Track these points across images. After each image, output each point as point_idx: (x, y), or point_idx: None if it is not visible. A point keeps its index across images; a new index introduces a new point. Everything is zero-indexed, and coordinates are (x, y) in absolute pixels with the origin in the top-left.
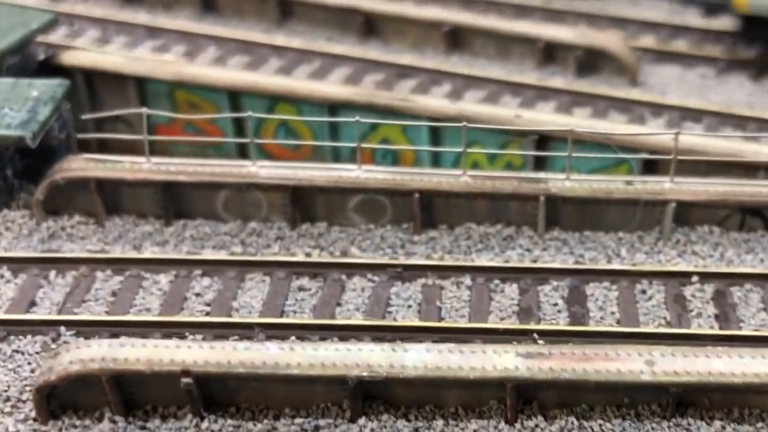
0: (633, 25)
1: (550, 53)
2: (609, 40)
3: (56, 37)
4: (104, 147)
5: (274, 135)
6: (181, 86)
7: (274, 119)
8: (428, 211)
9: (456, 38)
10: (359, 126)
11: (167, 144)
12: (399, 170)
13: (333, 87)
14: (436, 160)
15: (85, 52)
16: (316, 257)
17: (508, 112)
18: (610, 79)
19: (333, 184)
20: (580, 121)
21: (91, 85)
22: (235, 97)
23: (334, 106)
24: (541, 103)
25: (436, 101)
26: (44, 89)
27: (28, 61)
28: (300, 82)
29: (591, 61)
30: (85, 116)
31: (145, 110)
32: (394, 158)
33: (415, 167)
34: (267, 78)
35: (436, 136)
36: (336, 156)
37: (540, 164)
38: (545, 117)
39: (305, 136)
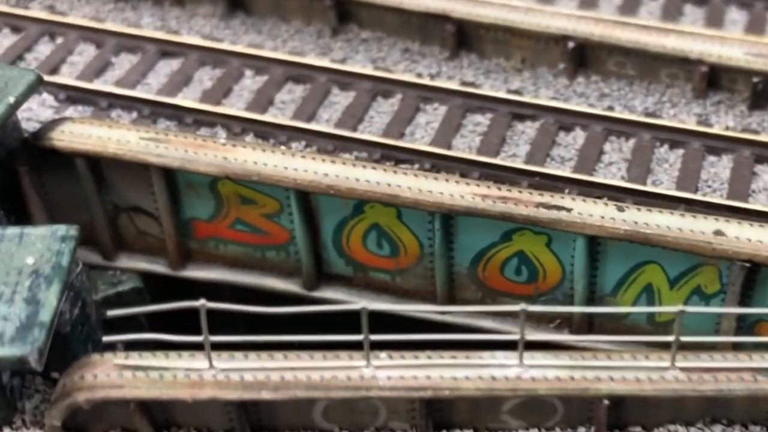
0: None
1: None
2: None
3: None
4: (119, 239)
5: (362, 239)
6: (229, 178)
7: (363, 220)
8: (617, 411)
9: (582, 56)
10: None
11: (208, 239)
12: (575, 363)
13: (447, 185)
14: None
15: (88, 128)
16: None
17: (705, 226)
18: None
19: (485, 393)
20: None
21: (98, 171)
22: (306, 194)
23: (449, 216)
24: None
25: (599, 209)
26: (43, 249)
27: (7, 142)
28: (400, 182)
29: None
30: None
31: (203, 303)
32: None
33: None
34: (350, 174)
35: (594, 250)
36: (450, 267)
37: (748, 292)
38: (758, 234)
39: (406, 240)
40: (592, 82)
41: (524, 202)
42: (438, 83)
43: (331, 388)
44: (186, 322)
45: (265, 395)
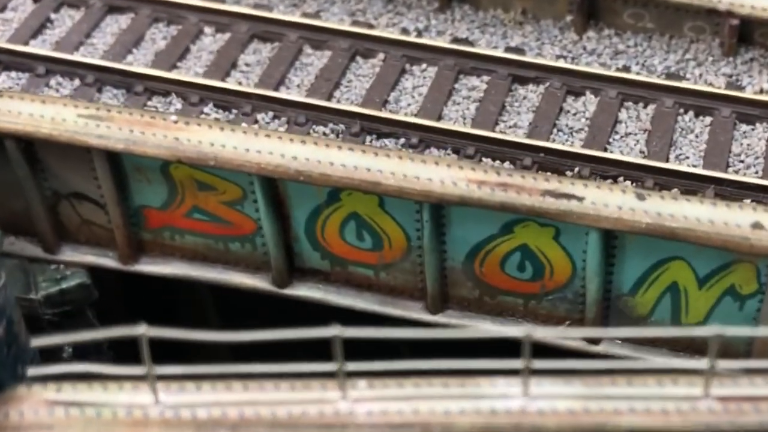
0: None
1: None
2: None
3: None
4: (61, 229)
5: (339, 230)
6: (181, 162)
7: (340, 209)
8: None
9: (593, 6)
10: None
11: (162, 229)
12: (590, 392)
13: (436, 169)
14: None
15: (18, 103)
16: None
17: (741, 217)
18: None
19: (483, 429)
20: None
21: (32, 153)
22: (272, 180)
23: (440, 205)
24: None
25: (615, 198)
26: None
27: None
28: (382, 166)
29: None
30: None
31: (144, 331)
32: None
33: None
34: (322, 157)
35: (610, 245)
36: (443, 262)
37: None
38: None
39: (390, 232)
40: (604, 37)
41: (528, 189)
42: (426, 40)
43: (300, 426)
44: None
45: None
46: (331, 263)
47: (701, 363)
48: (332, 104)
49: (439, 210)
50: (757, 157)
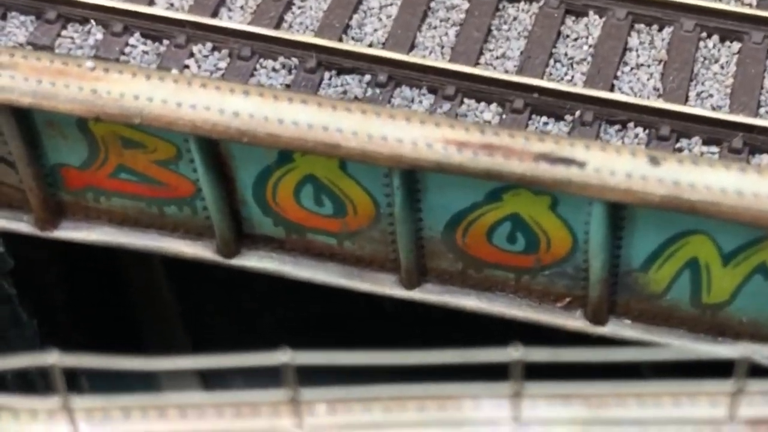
0: None
1: None
2: None
3: None
4: None
5: (294, 194)
6: (100, 120)
7: (294, 170)
8: None
9: None
10: None
11: (84, 191)
12: (593, 415)
13: (407, 127)
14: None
15: None
16: None
17: None
18: None
19: None
20: None
21: None
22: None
23: (412, 171)
24: None
25: (624, 163)
26: None
27: None
28: (342, 125)
29: None
30: None
31: (55, 361)
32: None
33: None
34: (270, 113)
35: (618, 216)
36: (418, 232)
37: None
38: None
39: (354, 197)
40: None
41: (518, 153)
42: None
43: None
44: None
45: None
46: (286, 230)
47: (726, 385)
48: (282, 33)
49: (413, 175)
50: None
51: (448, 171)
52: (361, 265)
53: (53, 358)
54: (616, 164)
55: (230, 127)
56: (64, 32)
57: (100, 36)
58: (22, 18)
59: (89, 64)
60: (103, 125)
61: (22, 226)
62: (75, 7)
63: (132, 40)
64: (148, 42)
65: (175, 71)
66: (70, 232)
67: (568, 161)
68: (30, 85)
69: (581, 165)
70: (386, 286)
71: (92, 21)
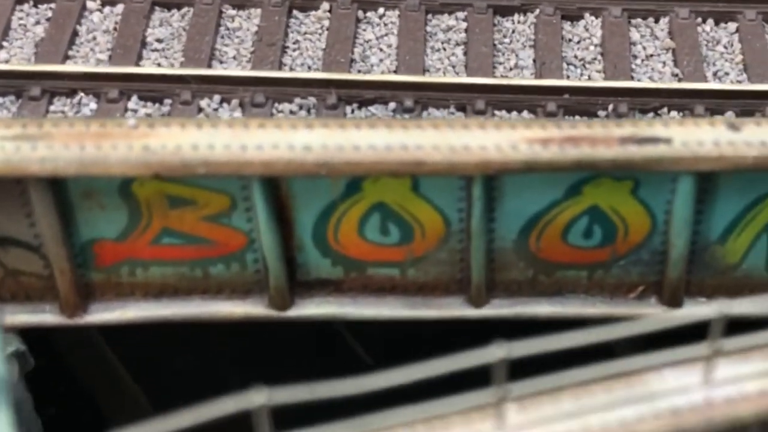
0: None
1: None
2: None
3: None
4: None
5: (358, 227)
6: (159, 177)
7: (361, 201)
8: None
9: None
10: None
11: (119, 265)
12: None
13: (487, 133)
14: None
15: None
16: None
17: None
18: None
19: None
20: None
21: None
22: (274, 180)
23: (494, 177)
24: None
25: (707, 133)
26: None
27: None
28: (422, 141)
29: None
30: None
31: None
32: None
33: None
34: (344, 140)
35: (704, 188)
36: (490, 243)
37: None
38: None
39: (424, 219)
40: None
41: (602, 140)
42: None
43: None
44: None
45: None
46: (345, 269)
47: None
48: (294, 74)
49: (492, 182)
50: None
51: (538, 169)
52: (424, 292)
53: (261, 398)
54: (700, 135)
55: (305, 161)
56: (52, 107)
57: (94, 105)
58: (1, 99)
59: (131, 122)
60: (149, 186)
61: (47, 317)
62: (57, 80)
63: (131, 104)
64: (149, 103)
65: (222, 115)
66: (103, 314)
67: (654, 140)
68: (72, 152)
69: (667, 141)
70: (454, 309)
71: (80, 91)
